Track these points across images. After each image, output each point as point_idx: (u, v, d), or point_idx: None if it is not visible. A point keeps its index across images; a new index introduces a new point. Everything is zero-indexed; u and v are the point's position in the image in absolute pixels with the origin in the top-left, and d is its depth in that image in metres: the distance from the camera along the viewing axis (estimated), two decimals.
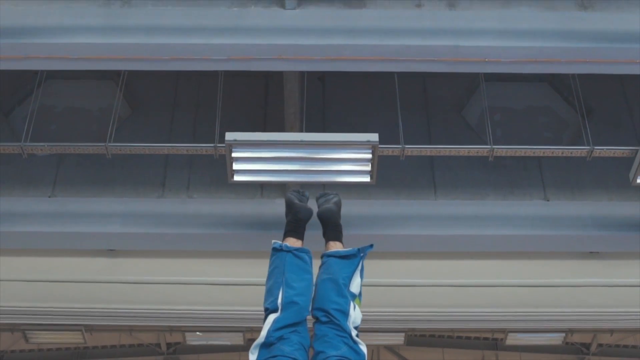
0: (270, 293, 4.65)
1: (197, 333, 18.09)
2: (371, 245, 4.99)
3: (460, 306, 11.29)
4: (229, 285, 11.05)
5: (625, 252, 10.73)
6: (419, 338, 19.50)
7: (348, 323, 4.53)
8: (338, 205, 5.13)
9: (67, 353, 20.34)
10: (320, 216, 5.08)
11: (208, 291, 11.16)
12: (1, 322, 12.74)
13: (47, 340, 18.24)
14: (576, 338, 19.99)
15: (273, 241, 4.92)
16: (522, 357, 20.59)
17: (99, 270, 11.05)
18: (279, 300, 4.55)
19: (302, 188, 5.36)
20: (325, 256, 4.91)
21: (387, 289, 10.83)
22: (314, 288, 4.74)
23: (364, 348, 4.54)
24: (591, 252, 10.99)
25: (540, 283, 11.15)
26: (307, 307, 4.62)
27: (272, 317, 4.52)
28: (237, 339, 17.09)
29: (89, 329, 17.24)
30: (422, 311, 11.41)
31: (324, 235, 5.08)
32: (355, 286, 4.75)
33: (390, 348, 19.06)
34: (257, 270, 10.88)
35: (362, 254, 4.90)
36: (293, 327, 4.46)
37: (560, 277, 11.13)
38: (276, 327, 4.46)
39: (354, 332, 4.54)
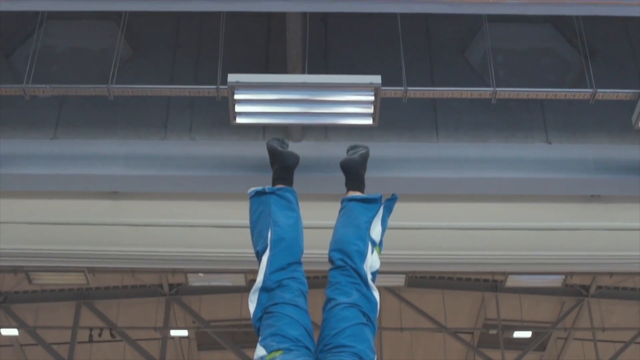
0: (260, 236, 4.63)
1: (200, 274, 18.24)
2: (394, 196, 4.95)
3: (460, 249, 11.34)
4: (231, 228, 11.07)
5: (626, 196, 10.74)
6: (419, 280, 19.66)
7: (365, 266, 4.51)
8: (364, 157, 5.10)
9: (70, 294, 20.54)
10: (342, 165, 5.06)
11: (210, 233, 11.20)
12: (4, 264, 12.82)
13: (50, 281, 18.44)
14: (576, 280, 20.17)
15: (251, 189, 4.87)
16: (521, 299, 20.78)
17: (101, 212, 11.08)
18: (268, 239, 4.54)
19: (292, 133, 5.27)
20: (345, 200, 4.89)
21: (388, 231, 10.81)
22: (302, 227, 4.71)
23: (376, 295, 4.51)
24: (592, 196, 11.01)
25: (540, 226, 11.18)
26: (297, 244, 4.59)
27: (265, 259, 4.50)
28: (239, 280, 17.28)
29: (92, 270, 17.39)
30: (422, 254, 11.47)
31: (346, 184, 5.06)
32: (375, 233, 4.72)
33: (390, 290, 19.21)
34: None
35: (384, 203, 4.86)
36: (289, 271, 4.44)
37: (561, 220, 11.16)
38: (272, 270, 4.44)
39: (369, 277, 4.53)
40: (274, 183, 4.98)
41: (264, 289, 4.42)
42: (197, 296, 20.64)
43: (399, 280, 17.62)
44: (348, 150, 5.21)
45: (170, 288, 20.76)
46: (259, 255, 4.56)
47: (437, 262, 11.95)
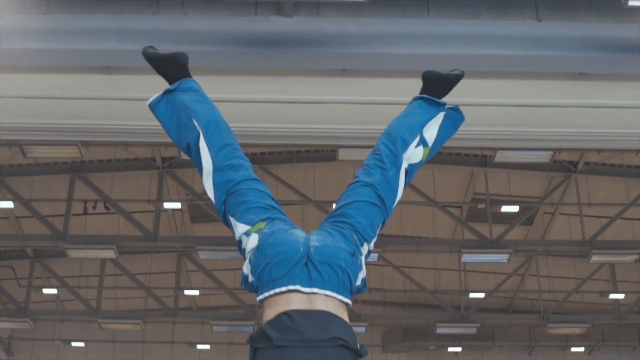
0: (187, 128, 4.46)
1: None
2: (456, 107, 4.89)
3: None
4: (224, 102, 11.13)
5: (614, 74, 10.83)
6: None
7: (404, 154, 4.47)
8: (451, 75, 4.90)
9: (64, 167, 20.77)
10: (424, 74, 4.92)
11: None
12: None
13: (44, 154, 18.59)
14: (564, 156, 20.45)
15: (150, 98, 4.60)
16: (510, 174, 21.08)
17: (94, 86, 11.13)
18: (197, 126, 4.42)
19: None
20: (414, 99, 4.83)
21: (378, 107, 10.96)
22: (217, 107, 4.61)
23: (401, 184, 4.48)
24: (581, 73, 11.08)
25: (529, 102, 11.27)
26: (224, 122, 4.53)
27: (203, 144, 4.39)
28: None
29: (85, 144, 17.55)
30: None
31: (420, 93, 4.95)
32: (429, 135, 4.63)
33: None
34: (253, 87, 11.03)
35: (447, 110, 4.82)
36: (233, 148, 4.42)
37: (549, 97, 11.25)
38: (217, 150, 4.37)
39: (404, 165, 4.48)
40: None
41: (216, 170, 4.33)
42: (190, 169, 20.84)
43: None
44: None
45: (163, 161, 20.99)
46: (193, 145, 4.43)
47: None
